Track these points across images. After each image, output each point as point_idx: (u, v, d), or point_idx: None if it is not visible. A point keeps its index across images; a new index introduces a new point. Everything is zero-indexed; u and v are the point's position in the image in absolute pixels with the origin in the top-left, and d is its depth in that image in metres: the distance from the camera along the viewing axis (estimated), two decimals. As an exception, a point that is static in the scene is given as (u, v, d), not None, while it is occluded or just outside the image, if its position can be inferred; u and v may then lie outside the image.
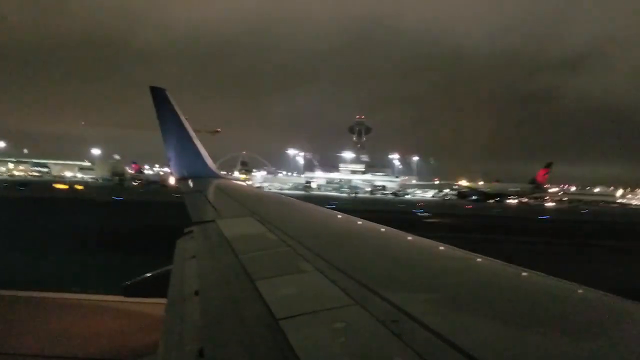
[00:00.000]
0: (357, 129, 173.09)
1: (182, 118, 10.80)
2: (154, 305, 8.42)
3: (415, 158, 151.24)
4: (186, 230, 4.55)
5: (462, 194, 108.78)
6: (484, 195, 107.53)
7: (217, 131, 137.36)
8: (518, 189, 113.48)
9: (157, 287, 3.44)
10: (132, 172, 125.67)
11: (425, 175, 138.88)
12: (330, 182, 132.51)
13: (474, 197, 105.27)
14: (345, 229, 4.43)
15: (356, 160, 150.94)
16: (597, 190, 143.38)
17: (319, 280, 2.33)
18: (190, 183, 9.59)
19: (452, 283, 2.31)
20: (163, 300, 2.67)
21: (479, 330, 1.62)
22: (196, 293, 2.49)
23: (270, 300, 2.05)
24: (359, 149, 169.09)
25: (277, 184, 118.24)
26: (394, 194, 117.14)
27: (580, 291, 2.11)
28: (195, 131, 11.71)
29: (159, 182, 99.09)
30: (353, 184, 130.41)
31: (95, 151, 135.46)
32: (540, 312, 1.86)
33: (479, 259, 2.75)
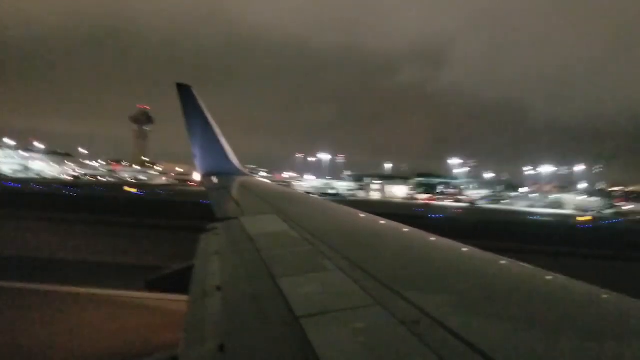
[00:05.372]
0: (139, 118, 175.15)
1: (208, 115, 10.88)
2: (175, 301, 8.53)
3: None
4: (210, 226, 4.59)
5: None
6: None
7: None
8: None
9: (179, 282, 3.47)
10: None
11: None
12: None
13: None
14: (368, 228, 4.42)
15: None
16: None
17: (340, 279, 2.32)
18: (215, 180, 9.69)
19: (474, 285, 2.27)
20: (184, 296, 2.70)
21: (501, 333, 1.59)
22: (218, 289, 2.51)
23: (291, 298, 2.05)
24: (141, 137, 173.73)
25: None
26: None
27: (605, 295, 2.05)
28: None
29: None
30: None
31: None
32: (565, 315, 1.83)
33: (502, 261, 2.69)
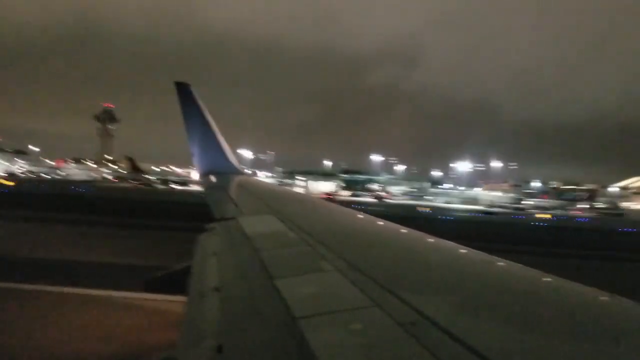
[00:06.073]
0: (102, 117, 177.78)
1: (206, 114, 10.77)
2: (173, 301, 8.50)
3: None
4: (208, 226, 4.56)
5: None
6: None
7: None
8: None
9: (178, 283, 3.50)
10: None
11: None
12: None
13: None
14: (366, 229, 4.43)
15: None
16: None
17: (338, 280, 2.34)
18: (213, 179, 9.58)
19: (471, 286, 2.31)
20: (183, 297, 2.72)
21: (498, 334, 1.60)
22: (216, 289, 2.53)
23: (289, 299, 2.06)
24: (105, 136, 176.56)
25: None
26: None
27: (602, 297, 2.07)
28: None
29: None
30: None
31: None
32: (562, 317, 1.84)
33: (499, 262, 2.71)
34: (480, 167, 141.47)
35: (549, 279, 2.35)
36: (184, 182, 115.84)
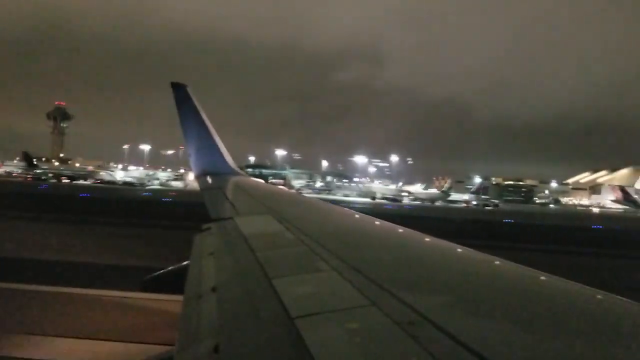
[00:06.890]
0: (55, 115, 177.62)
1: (203, 114, 10.73)
2: (170, 301, 8.57)
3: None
4: (204, 226, 4.56)
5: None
6: None
7: None
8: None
9: (175, 283, 3.53)
10: None
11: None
12: None
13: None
14: (363, 229, 4.43)
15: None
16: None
17: (335, 280, 2.32)
18: (209, 180, 9.54)
19: (469, 286, 2.30)
20: (179, 296, 2.71)
21: (496, 334, 1.60)
22: (213, 289, 2.52)
23: (286, 299, 2.05)
24: (57, 134, 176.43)
25: None
26: None
27: (599, 296, 2.05)
28: None
29: None
30: None
31: None
32: (560, 316, 1.84)
33: (497, 262, 2.71)
34: (387, 164, 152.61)
35: (547, 279, 2.35)
36: (84, 177, 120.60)
